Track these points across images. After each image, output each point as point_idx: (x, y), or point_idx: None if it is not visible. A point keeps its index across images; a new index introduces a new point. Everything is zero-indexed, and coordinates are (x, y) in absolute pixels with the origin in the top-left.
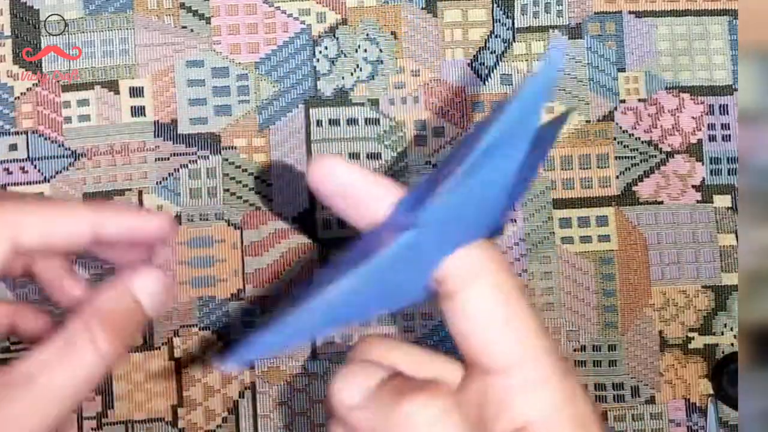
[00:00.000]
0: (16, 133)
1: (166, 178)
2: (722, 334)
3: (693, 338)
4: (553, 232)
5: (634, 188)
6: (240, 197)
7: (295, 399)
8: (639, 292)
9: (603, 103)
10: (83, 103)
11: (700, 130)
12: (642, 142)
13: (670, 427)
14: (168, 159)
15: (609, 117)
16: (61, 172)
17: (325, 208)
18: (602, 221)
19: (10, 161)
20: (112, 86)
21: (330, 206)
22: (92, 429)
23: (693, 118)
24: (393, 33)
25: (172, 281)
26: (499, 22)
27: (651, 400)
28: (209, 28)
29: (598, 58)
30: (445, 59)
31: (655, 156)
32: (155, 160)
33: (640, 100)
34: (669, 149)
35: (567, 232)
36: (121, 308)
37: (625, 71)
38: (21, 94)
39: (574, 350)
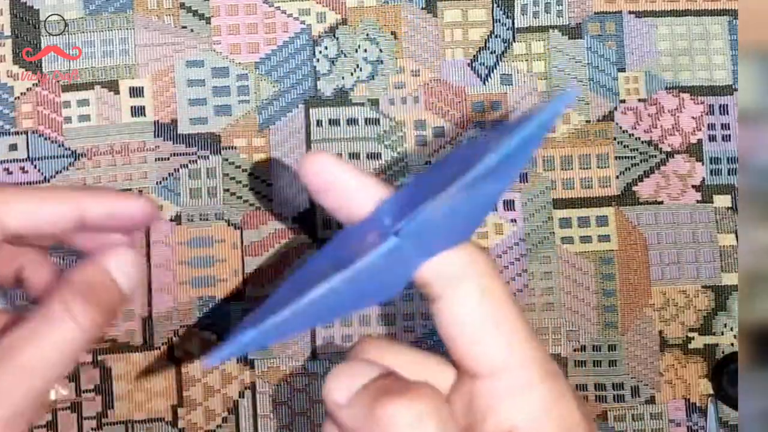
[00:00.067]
0: (16, 133)
1: (166, 178)
2: (722, 334)
3: (693, 338)
4: (553, 232)
5: (634, 188)
6: (240, 197)
7: (295, 399)
8: (639, 292)
9: (603, 103)
10: (83, 103)
11: (700, 130)
12: (642, 142)
13: (670, 427)
14: (168, 159)
15: (609, 117)
16: (61, 172)
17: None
18: (602, 221)
19: (10, 161)
20: (112, 86)
21: (319, 201)
22: (92, 429)
23: (693, 118)
24: (393, 33)
25: (145, 261)
26: (499, 22)
27: (651, 400)
28: (209, 28)
29: (598, 58)
30: (445, 59)
31: (655, 156)
32: (155, 160)
33: (640, 100)
34: (669, 149)
35: (567, 232)
36: (96, 281)
37: (625, 71)
38: (21, 94)
39: (574, 350)
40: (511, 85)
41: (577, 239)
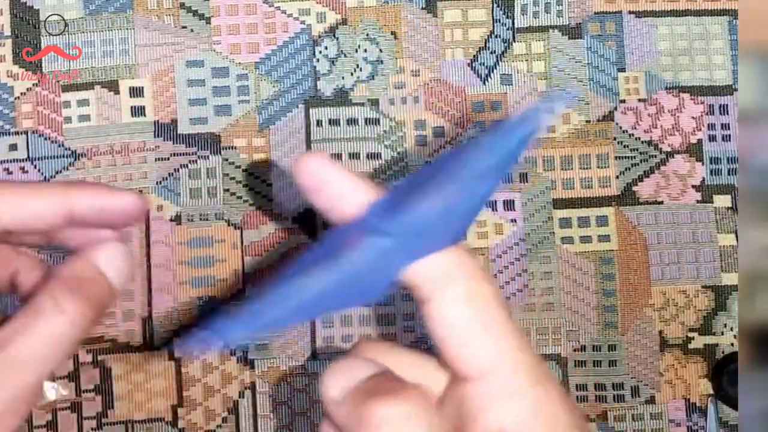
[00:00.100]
0: (16, 133)
1: (166, 178)
2: (722, 334)
3: (693, 338)
4: (553, 232)
5: (634, 188)
6: (240, 197)
7: (295, 399)
8: (639, 292)
9: (603, 103)
10: (83, 103)
11: (700, 130)
12: (642, 142)
13: (670, 427)
14: (168, 159)
15: (609, 117)
16: (61, 172)
17: None
18: (602, 221)
19: (10, 161)
20: (112, 86)
21: (312, 202)
22: (92, 429)
23: (693, 118)
24: (393, 33)
25: (135, 256)
26: (499, 22)
27: (651, 400)
28: (209, 28)
29: (598, 58)
30: (445, 59)
31: (655, 156)
32: (155, 160)
33: (640, 100)
34: (669, 149)
35: (567, 232)
36: (85, 275)
37: (625, 71)
38: (21, 94)
39: (574, 350)
40: (511, 85)
41: (577, 239)
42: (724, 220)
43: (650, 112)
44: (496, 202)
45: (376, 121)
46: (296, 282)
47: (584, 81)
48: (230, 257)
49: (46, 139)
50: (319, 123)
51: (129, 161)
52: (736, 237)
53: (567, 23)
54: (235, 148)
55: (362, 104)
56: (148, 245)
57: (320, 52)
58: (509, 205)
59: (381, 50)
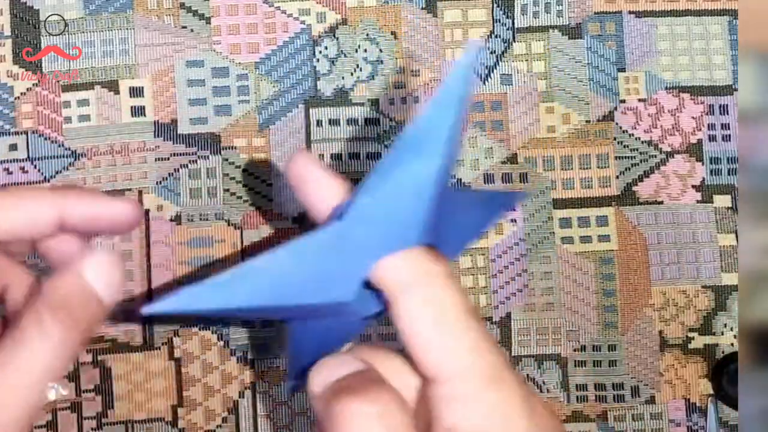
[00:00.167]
0: (16, 133)
1: (166, 178)
2: (722, 334)
3: (693, 338)
4: (553, 232)
5: (634, 188)
6: (240, 197)
7: (295, 399)
8: (639, 292)
9: (603, 103)
10: (83, 103)
11: (700, 130)
12: (642, 142)
13: (670, 427)
14: (168, 159)
15: (609, 117)
16: (61, 172)
17: None
18: (602, 221)
19: (10, 161)
20: (112, 86)
21: (298, 198)
22: (92, 429)
23: (693, 118)
24: (393, 33)
25: (124, 265)
26: (499, 22)
27: (651, 400)
28: (209, 28)
29: (598, 58)
30: (445, 59)
31: (655, 156)
32: (155, 160)
33: (640, 100)
34: (669, 149)
35: (567, 232)
36: (73, 295)
37: (625, 71)
38: (21, 94)
39: (574, 350)
40: (511, 85)
41: (577, 239)
42: (724, 220)
43: (650, 112)
44: None
45: (376, 121)
46: (259, 257)
47: (584, 81)
48: (230, 257)
49: (46, 139)
50: (319, 123)
51: (129, 161)
52: (736, 237)
53: (567, 23)
54: (235, 148)
55: (362, 104)
56: (148, 245)
57: (320, 52)
58: None
59: (381, 50)
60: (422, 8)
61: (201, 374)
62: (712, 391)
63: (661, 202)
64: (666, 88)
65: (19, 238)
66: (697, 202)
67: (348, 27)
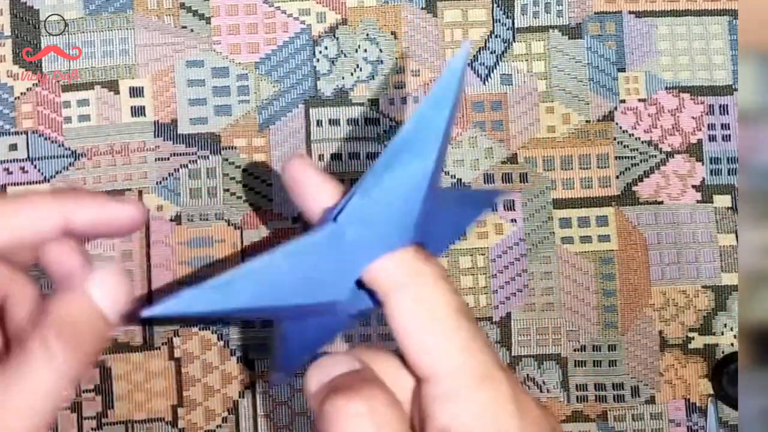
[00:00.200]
0: (16, 133)
1: (166, 178)
2: (722, 334)
3: (693, 338)
4: (553, 232)
5: (634, 188)
6: (240, 197)
7: (295, 399)
8: (639, 292)
9: (603, 103)
10: (83, 103)
11: (700, 130)
12: (642, 142)
13: (670, 427)
14: (168, 159)
15: (609, 117)
16: (61, 172)
17: None
18: (602, 221)
19: (10, 161)
20: (112, 86)
21: (294, 201)
22: (92, 429)
23: (693, 118)
24: (393, 33)
25: (132, 282)
26: (499, 22)
27: (651, 400)
28: (209, 28)
29: (598, 58)
30: (445, 59)
31: (655, 156)
32: (155, 160)
33: (640, 100)
34: (669, 149)
35: (567, 232)
36: (80, 316)
37: (625, 71)
38: (21, 94)
39: (574, 350)
40: (511, 85)
41: (577, 239)
42: (724, 220)
43: (650, 112)
44: (496, 201)
45: (376, 121)
46: (256, 259)
47: (584, 81)
48: (230, 257)
49: (46, 139)
50: (319, 123)
51: (129, 161)
52: (736, 237)
53: (567, 23)
54: (235, 148)
55: (362, 104)
56: (148, 245)
57: (320, 52)
58: (509, 205)
59: (381, 50)
60: (422, 8)
61: (201, 374)
62: (712, 391)
63: (661, 202)
64: (666, 88)
65: (22, 245)
66: (697, 202)
67: (348, 27)
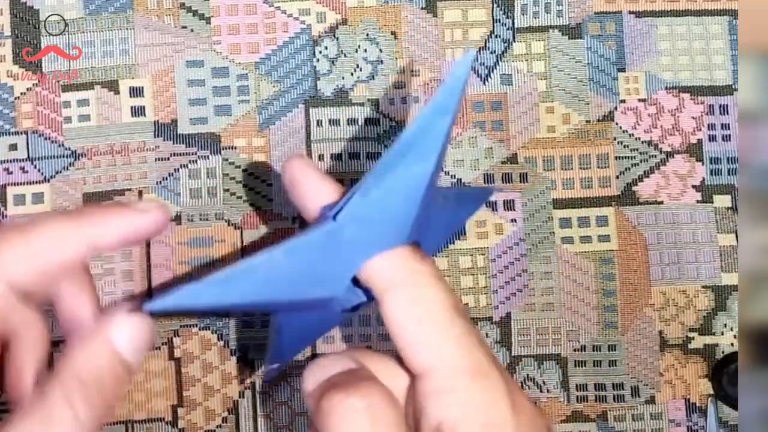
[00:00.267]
0: (16, 133)
1: (166, 178)
2: (722, 334)
3: (693, 338)
4: (553, 232)
5: (634, 188)
6: (240, 197)
7: (295, 399)
8: (639, 292)
9: (603, 103)
10: (83, 103)
11: (700, 130)
12: (642, 142)
13: (670, 427)
14: (168, 159)
15: (609, 117)
16: (61, 172)
17: None
18: (602, 221)
19: (10, 161)
20: (112, 86)
21: (292, 200)
22: None
23: (693, 118)
24: (393, 33)
25: (152, 323)
26: (499, 22)
27: (651, 400)
28: (209, 28)
29: (598, 58)
30: (445, 59)
31: (655, 156)
32: (155, 160)
33: (640, 100)
34: (669, 149)
35: (567, 232)
36: (103, 367)
37: (625, 71)
38: (21, 94)
39: (574, 350)
40: (511, 85)
41: (577, 239)
42: (724, 220)
43: (650, 112)
44: (496, 202)
45: (376, 121)
46: (256, 255)
47: (584, 81)
48: (230, 257)
49: (46, 139)
50: (319, 123)
51: (129, 161)
52: (736, 237)
53: (567, 23)
54: (235, 148)
55: (362, 104)
56: (148, 245)
57: (320, 52)
58: (509, 205)
59: (381, 50)
60: (422, 8)
61: (201, 374)
62: (712, 391)
63: (661, 202)
64: (666, 88)
65: (44, 278)
66: (697, 202)
67: (348, 27)
